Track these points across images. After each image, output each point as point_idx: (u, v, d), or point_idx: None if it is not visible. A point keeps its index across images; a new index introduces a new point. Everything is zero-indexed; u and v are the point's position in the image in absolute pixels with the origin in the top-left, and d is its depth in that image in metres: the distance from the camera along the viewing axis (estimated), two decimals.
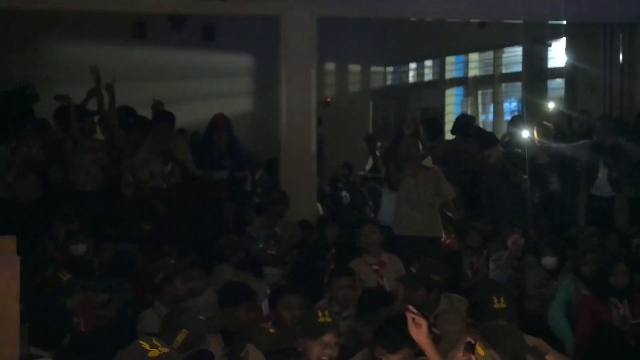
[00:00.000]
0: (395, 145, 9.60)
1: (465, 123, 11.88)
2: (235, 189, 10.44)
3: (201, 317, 5.03)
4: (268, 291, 7.02)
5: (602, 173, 10.48)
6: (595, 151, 10.60)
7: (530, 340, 4.49)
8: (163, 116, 10.28)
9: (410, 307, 4.62)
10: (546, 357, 4.45)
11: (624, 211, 10.75)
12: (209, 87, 12.85)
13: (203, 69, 15.89)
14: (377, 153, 11.41)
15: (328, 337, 4.95)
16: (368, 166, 15.55)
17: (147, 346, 2.86)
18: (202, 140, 10.61)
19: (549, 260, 8.01)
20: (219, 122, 10.28)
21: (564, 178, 10.89)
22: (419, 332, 4.52)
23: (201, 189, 10.17)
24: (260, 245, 9.02)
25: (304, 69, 10.62)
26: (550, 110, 12.84)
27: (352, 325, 6.22)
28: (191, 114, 10.56)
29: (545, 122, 11.50)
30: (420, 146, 9.16)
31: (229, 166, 10.25)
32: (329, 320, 5.02)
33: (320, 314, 5.06)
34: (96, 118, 10.74)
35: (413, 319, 4.53)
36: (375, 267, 7.78)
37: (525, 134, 10.99)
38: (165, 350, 2.86)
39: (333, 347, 4.96)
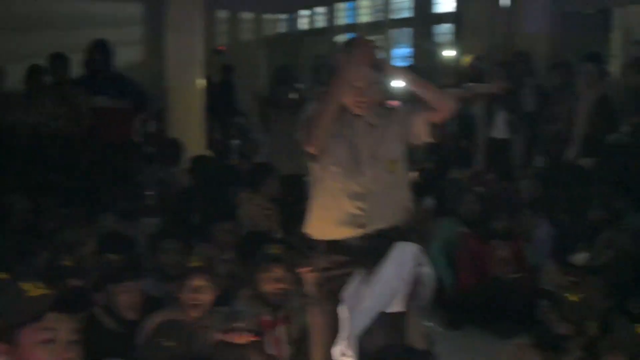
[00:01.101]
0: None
1: None
2: (121, 123, 9.88)
3: None
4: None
5: (501, 116, 10.64)
6: (493, 95, 10.75)
7: None
8: (57, 56, 9.75)
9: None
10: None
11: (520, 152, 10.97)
12: (97, 37, 12.58)
13: (91, 18, 15.60)
14: None
15: (197, 282, 5.03)
16: None
17: (27, 287, 2.83)
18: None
19: (429, 201, 8.20)
20: (95, 44, 9.78)
21: (456, 121, 11.05)
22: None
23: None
24: (151, 193, 8.95)
25: (190, 15, 10.50)
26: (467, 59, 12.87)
27: (231, 268, 6.28)
28: (80, 65, 10.28)
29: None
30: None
31: (113, 94, 9.65)
32: (198, 264, 5.16)
33: (194, 259, 5.24)
34: None
35: None
36: (267, 212, 7.85)
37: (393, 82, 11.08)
38: (48, 292, 2.83)
39: (203, 291, 5.03)
